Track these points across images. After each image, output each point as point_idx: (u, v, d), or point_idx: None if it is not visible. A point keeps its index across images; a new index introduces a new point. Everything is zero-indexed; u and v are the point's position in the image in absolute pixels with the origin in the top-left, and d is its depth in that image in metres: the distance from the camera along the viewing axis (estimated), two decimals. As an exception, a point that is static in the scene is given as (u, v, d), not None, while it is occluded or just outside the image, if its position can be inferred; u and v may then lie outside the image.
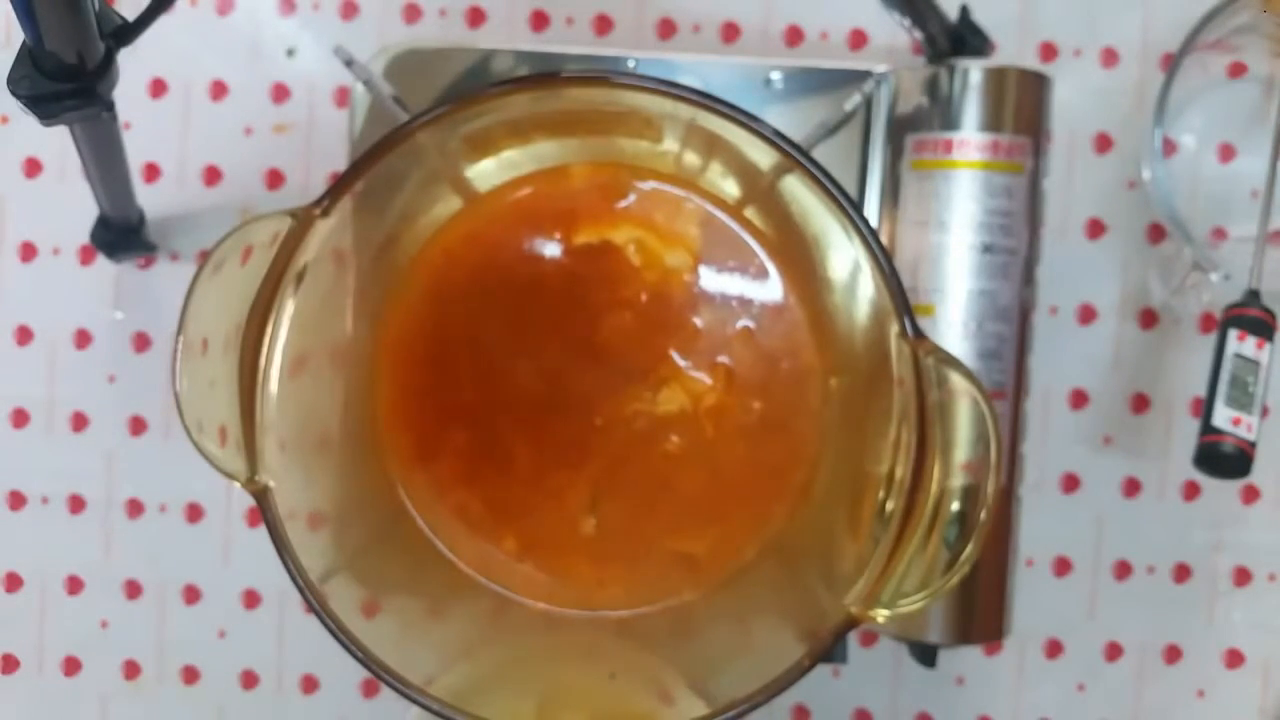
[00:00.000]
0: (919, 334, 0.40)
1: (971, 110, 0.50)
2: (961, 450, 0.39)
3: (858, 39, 0.57)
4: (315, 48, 0.57)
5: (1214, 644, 0.57)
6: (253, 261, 0.41)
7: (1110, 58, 0.57)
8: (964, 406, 0.38)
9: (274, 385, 0.42)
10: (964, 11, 0.52)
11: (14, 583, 0.57)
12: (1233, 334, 0.48)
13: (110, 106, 0.43)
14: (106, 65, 0.41)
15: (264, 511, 0.41)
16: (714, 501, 0.48)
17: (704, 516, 0.48)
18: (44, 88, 0.40)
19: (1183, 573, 0.57)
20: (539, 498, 0.48)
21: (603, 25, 0.57)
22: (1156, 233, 0.57)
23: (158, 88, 0.57)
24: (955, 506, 0.39)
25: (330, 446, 0.47)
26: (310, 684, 0.57)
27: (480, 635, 0.47)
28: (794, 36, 0.57)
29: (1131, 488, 0.57)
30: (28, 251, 0.57)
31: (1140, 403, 0.57)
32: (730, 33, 0.57)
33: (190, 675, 0.57)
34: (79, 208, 0.55)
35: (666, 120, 0.45)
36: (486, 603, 0.47)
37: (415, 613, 0.46)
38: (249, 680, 0.57)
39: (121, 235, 0.55)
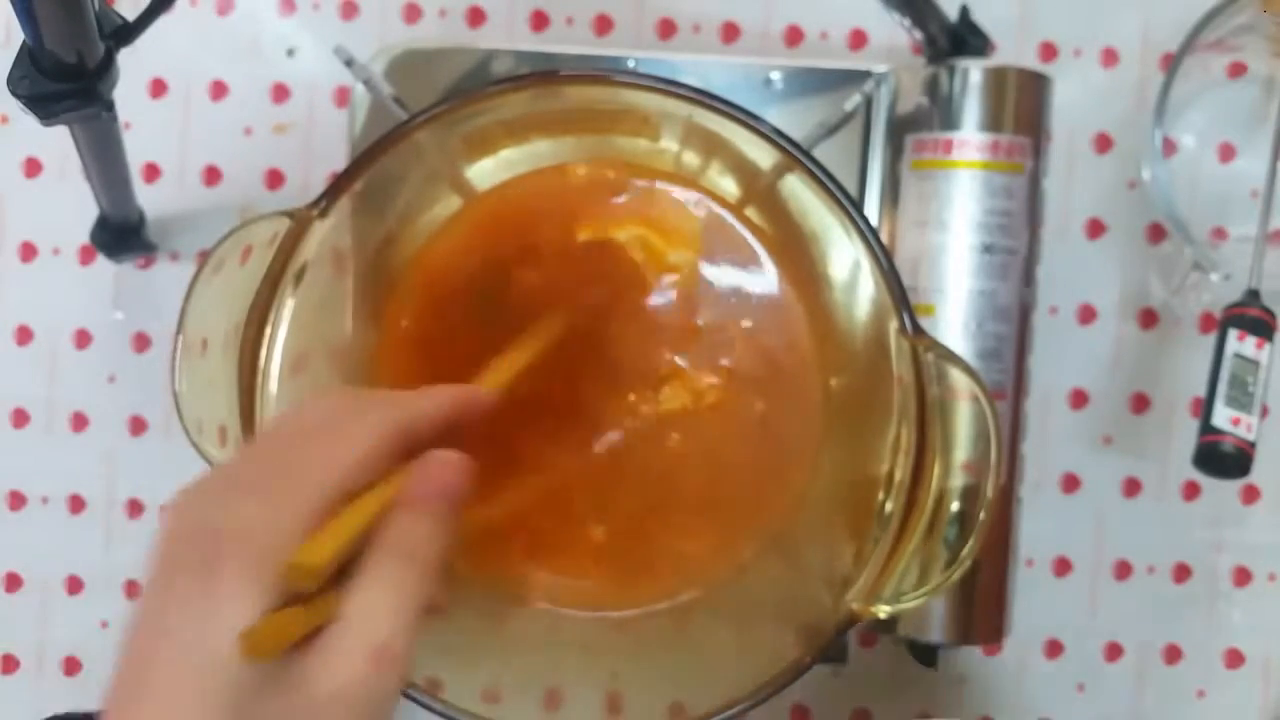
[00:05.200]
0: (918, 330, 0.40)
1: (971, 110, 0.50)
2: (962, 449, 0.39)
3: (858, 39, 0.57)
4: (315, 48, 0.57)
5: (1214, 644, 0.57)
6: (252, 261, 0.41)
7: (1110, 58, 0.57)
8: (964, 405, 0.38)
9: (274, 385, 0.42)
10: (964, 11, 0.52)
11: (14, 583, 0.57)
12: (1233, 334, 0.48)
13: (110, 106, 0.43)
14: (106, 65, 0.41)
15: (264, 512, 0.40)
16: (716, 499, 0.48)
17: (706, 514, 0.48)
18: (44, 88, 0.40)
19: (1183, 573, 0.57)
20: (541, 497, 0.48)
21: (603, 25, 0.57)
22: (1156, 233, 0.56)
23: (158, 88, 0.57)
24: (955, 506, 0.40)
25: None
26: None
27: (482, 635, 0.47)
28: (794, 36, 0.57)
29: (1131, 488, 0.57)
30: (28, 251, 0.57)
31: (1140, 403, 0.57)
32: (730, 33, 0.57)
33: (190, 675, 0.57)
34: (79, 208, 0.55)
35: (665, 119, 0.45)
36: (489, 602, 0.47)
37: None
38: (249, 680, 0.57)
39: (121, 235, 0.55)
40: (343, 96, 0.57)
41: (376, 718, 0.30)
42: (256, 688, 0.29)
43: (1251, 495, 0.57)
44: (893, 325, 0.40)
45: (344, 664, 0.30)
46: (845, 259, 0.43)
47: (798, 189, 0.43)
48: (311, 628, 0.30)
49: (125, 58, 0.42)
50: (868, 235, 0.41)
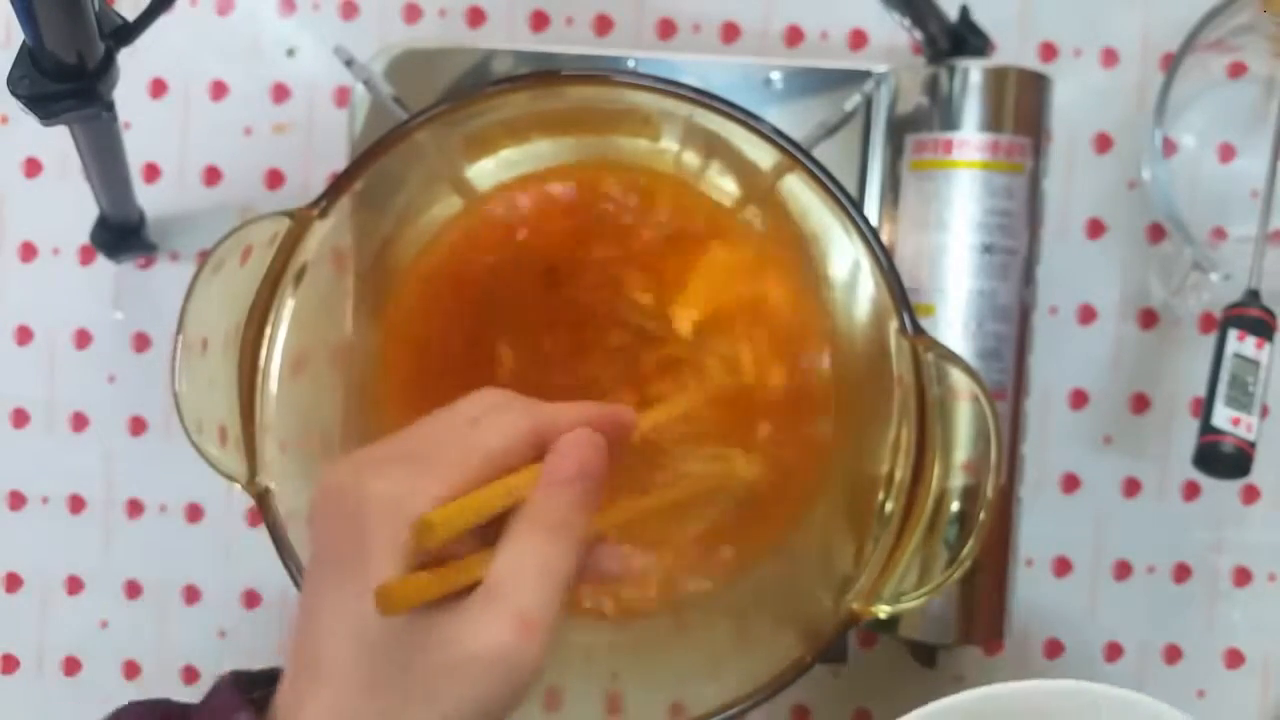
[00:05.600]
0: (919, 330, 0.40)
1: (971, 110, 0.50)
2: (962, 449, 0.39)
3: (858, 39, 0.57)
4: (315, 48, 0.57)
5: (1214, 644, 0.57)
6: (252, 261, 0.41)
7: (1110, 58, 0.57)
8: (964, 405, 0.38)
9: (274, 385, 0.42)
10: (964, 11, 0.52)
11: (14, 583, 0.57)
12: (1233, 334, 0.48)
13: (110, 106, 0.43)
14: (106, 65, 0.41)
15: (264, 513, 0.41)
16: (730, 509, 0.47)
17: (720, 525, 0.47)
18: (44, 88, 0.40)
19: (1183, 573, 0.57)
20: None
21: (603, 25, 0.57)
22: (1156, 233, 0.56)
23: (158, 88, 0.57)
24: (955, 506, 0.40)
25: (331, 447, 0.47)
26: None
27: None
28: (794, 36, 0.57)
29: (1131, 488, 0.57)
30: (28, 251, 0.57)
31: (1140, 403, 0.57)
32: (730, 33, 0.57)
33: (190, 675, 0.57)
34: (79, 208, 0.55)
35: (665, 119, 0.45)
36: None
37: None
38: (249, 680, 0.57)
39: (121, 235, 0.55)
40: (343, 96, 0.57)
41: (515, 685, 0.31)
42: (402, 642, 0.31)
43: (1251, 495, 0.57)
44: (893, 325, 0.40)
45: (485, 627, 0.31)
46: (845, 259, 0.43)
47: (798, 189, 0.43)
48: (450, 589, 0.31)
49: (125, 58, 0.42)
50: (868, 235, 0.41)
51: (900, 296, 0.40)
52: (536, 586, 0.32)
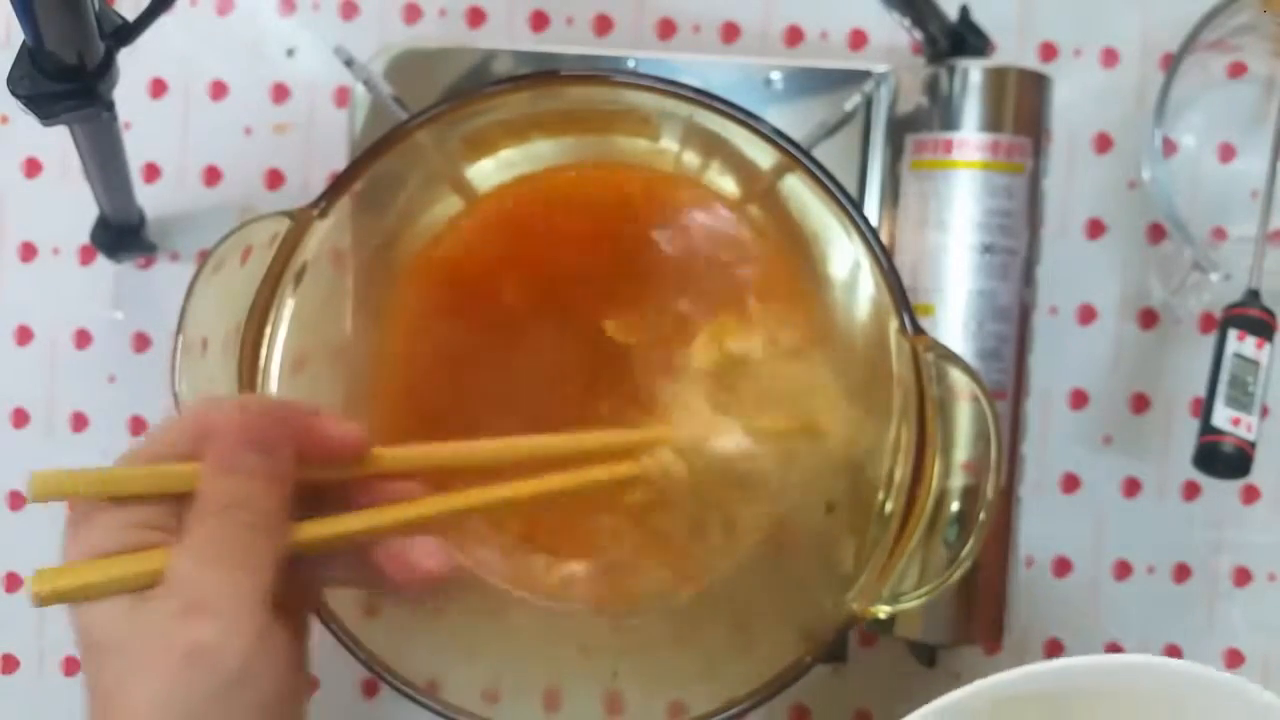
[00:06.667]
0: (918, 330, 0.40)
1: (971, 110, 0.50)
2: (962, 449, 0.39)
3: (858, 39, 0.57)
4: (315, 48, 0.57)
5: (1214, 644, 0.57)
6: (252, 261, 0.41)
7: (1110, 58, 0.57)
8: (964, 405, 0.38)
9: (274, 385, 0.42)
10: (964, 11, 0.52)
11: (14, 583, 0.57)
12: (1232, 334, 0.48)
13: (110, 106, 0.43)
14: (106, 65, 0.41)
15: (264, 512, 0.40)
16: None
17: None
18: (44, 88, 0.40)
19: (1183, 573, 0.57)
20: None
21: (603, 25, 0.57)
22: (1156, 233, 0.57)
23: (158, 88, 0.57)
24: (955, 506, 0.40)
25: (330, 447, 0.47)
26: (309, 684, 0.57)
27: (481, 635, 0.47)
28: (794, 36, 0.57)
29: (1131, 488, 0.57)
30: (28, 251, 0.57)
31: (1140, 403, 0.57)
32: (730, 33, 0.57)
33: (190, 675, 0.57)
34: (79, 208, 0.55)
35: (665, 119, 0.45)
36: (488, 601, 0.47)
37: (417, 612, 0.46)
38: (249, 680, 0.57)
39: (121, 235, 0.55)
40: (343, 96, 0.57)
41: (212, 675, 0.31)
42: (111, 640, 0.31)
43: (1251, 495, 0.57)
44: (893, 325, 0.41)
45: (161, 619, 0.31)
46: (845, 259, 0.43)
47: (798, 189, 0.43)
48: (117, 577, 0.32)
49: (125, 58, 0.42)
50: (868, 235, 0.41)
51: (900, 296, 0.40)
52: (209, 572, 0.31)
